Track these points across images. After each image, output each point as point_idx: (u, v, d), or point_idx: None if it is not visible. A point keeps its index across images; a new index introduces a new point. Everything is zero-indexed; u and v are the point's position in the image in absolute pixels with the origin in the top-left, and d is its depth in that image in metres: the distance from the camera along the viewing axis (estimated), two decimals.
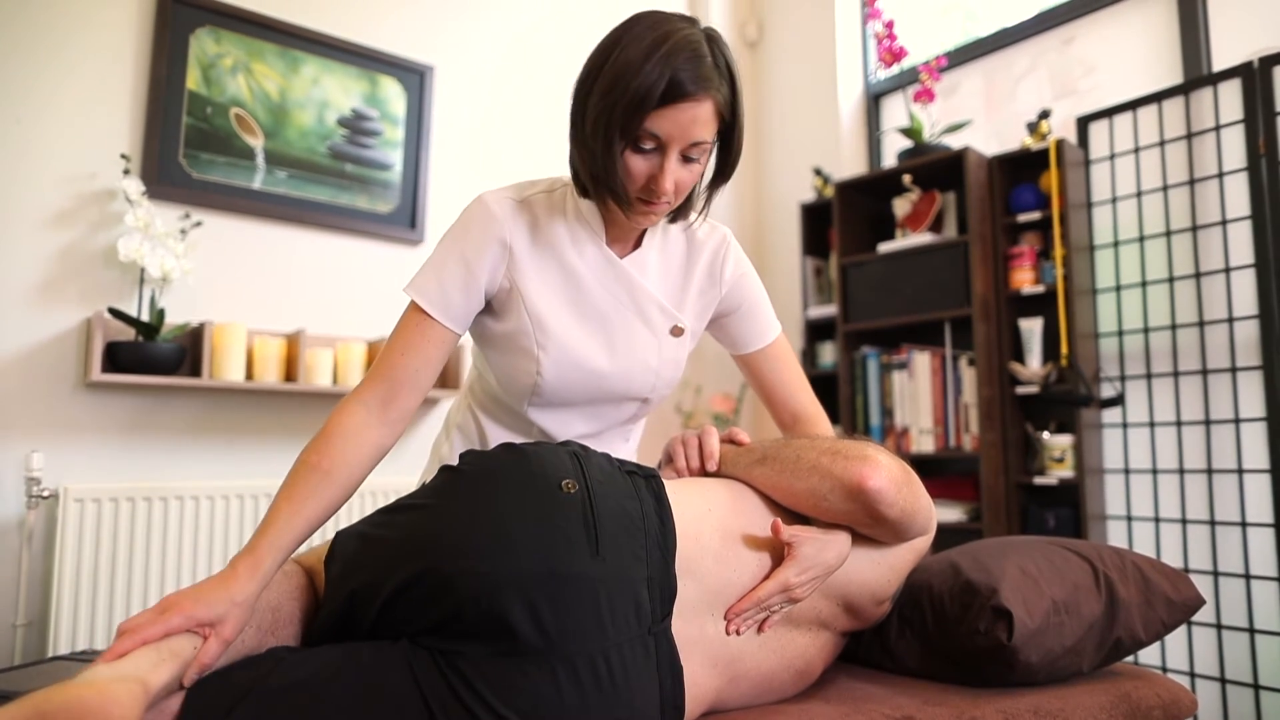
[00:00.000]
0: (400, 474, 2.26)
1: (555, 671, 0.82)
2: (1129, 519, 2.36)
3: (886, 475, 0.99)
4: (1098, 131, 2.54)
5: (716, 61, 1.00)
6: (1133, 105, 2.44)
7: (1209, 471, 2.22)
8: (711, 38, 1.01)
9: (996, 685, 1.16)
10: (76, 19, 2.23)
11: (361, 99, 2.67)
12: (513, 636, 0.82)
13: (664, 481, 1.03)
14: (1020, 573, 1.19)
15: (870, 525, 1.04)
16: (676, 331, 1.19)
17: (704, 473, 1.16)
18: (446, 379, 2.58)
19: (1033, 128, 2.49)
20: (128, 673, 0.72)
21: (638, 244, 1.17)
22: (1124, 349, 2.42)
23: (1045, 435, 2.38)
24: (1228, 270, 2.22)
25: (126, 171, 2.21)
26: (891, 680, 1.21)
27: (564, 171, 1.17)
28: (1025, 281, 2.45)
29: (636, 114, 0.96)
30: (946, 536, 2.20)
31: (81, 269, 2.21)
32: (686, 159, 1.03)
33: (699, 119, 0.99)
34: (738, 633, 0.99)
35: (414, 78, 2.77)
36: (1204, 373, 2.24)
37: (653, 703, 0.88)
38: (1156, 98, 2.38)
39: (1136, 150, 2.42)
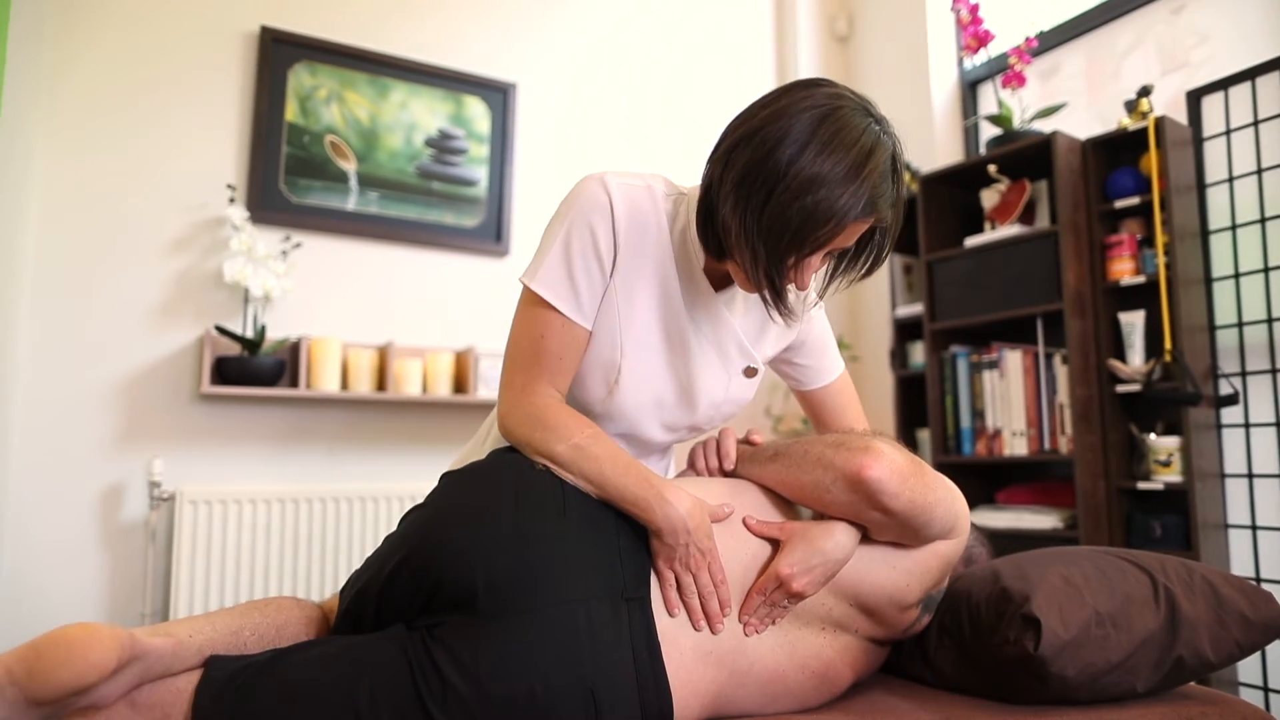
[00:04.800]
0: None
1: (521, 625, 0.86)
2: (1254, 528, 2.16)
3: (888, 465, 0.97)
4: (1211, 106, 2.34)
5: (898, 183, 0.98)
6: (1250, 75, 2.23)
7: None
8: (896, 152, 0.98)
9: (1031, 701, 1.10)
10: (189, 62, 2.45)
11: (447, 119, 2.79)
12: (483, 598, 0.87)
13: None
14: (1063, 581, 1.12)
15: (881, 521, 1.01)
16: (750, 372, 1.17)
17: (722, 473, 1.16)
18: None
19: (1131, 106, 2.31)
20: (123, 628, 0.82)
21: (729, 278, 1.13)
22: (1244, 342, 2.21)
23: (1151, 437, 2.21)
24: None
25: (232, 200, 2.41)
26: (923, 694, 1.16)
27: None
28: (1125, 272, 2.28)
29: (828, 231, 0.93)
30: (1041, 545, 2.07)
31: (195, 291, 2.42)
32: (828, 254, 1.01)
33: (860, 232, 0.98)
34: (757, 632, 1.00)
35: (497, 95, 2.87)
36: None
37: (625, 672, 0.89)
38: (1277, 64, 2.17)
39: (1256, 124, 2.22)
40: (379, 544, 1.01)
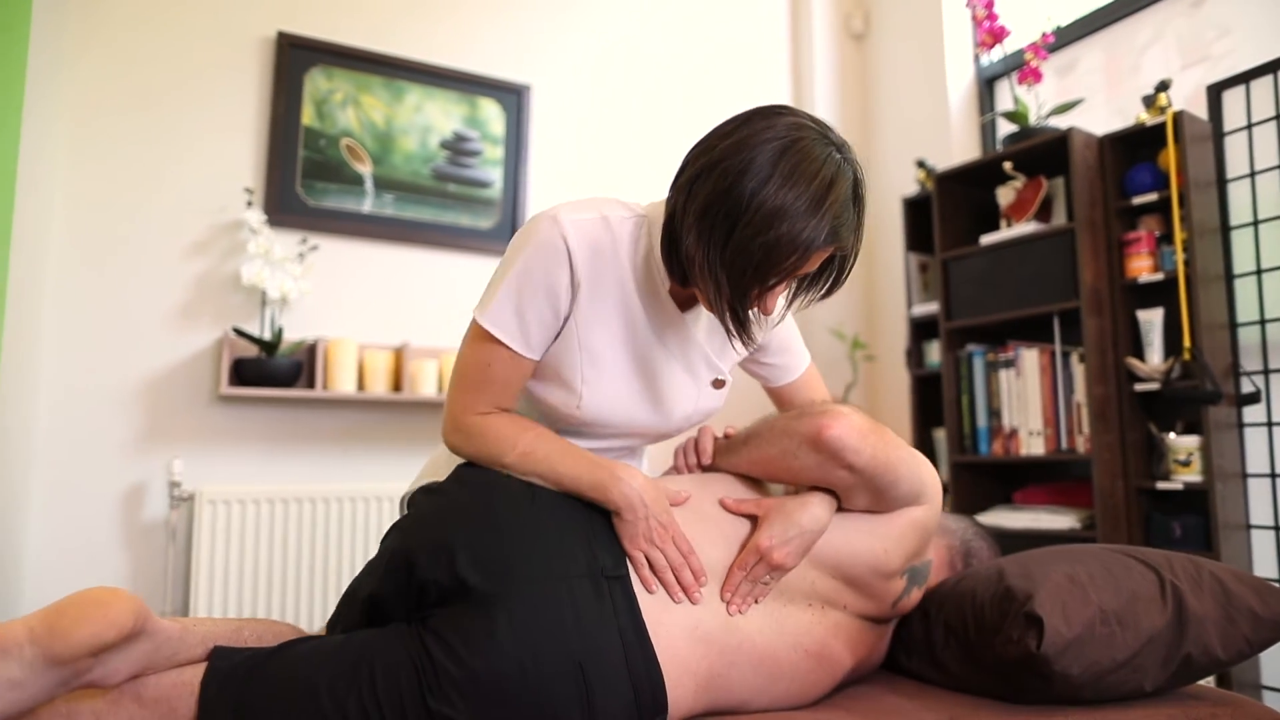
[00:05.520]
0: None
1: (506, 608, 0.89)
2: (1277, 529, 2.11)
3: (847, 423, 1.01)
4: (1232, 100, 2.30)
5: (860, 207, 0.98)
6: (1272, 68, 2.19)
7: None
8: (858, 177, 0.98)
9: (1038, 700, 1.09)
10: (207, 68, 2.49)
11: (462, 121, 2.81)
12: (467, 587, 0.90)
13: None
14: (1067, 580, 1.11)
15: (849, 480, 1.04)
16: (718, 384, 1.19)
17: (700, 469, 1.20)
18: None
19: (1149, 102, 2.28)
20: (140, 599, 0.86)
21: (695, 298, 1.13)
22: (1267, 339, 2.17)
23: (1170, 436, 2.17)
24: None
25: (250, 203, 2.44)
26: (928, 693, 1.16)
27: (653, 181, 1.17)
28: (1143, 269, 2.25)
29: (792, 264, 0.94)
30: (1058, 544, 2.05)
31: (214, 293, 2.45)
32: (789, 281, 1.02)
33: (822, 259, 0.99)
34: (739, 611, 1.02)
35: (511, 97, 2.89)
36: None
37: (613, 647, 0.90)
38: None
39: (1278, 117, 2.18)
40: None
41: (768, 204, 0.91)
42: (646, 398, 1.14)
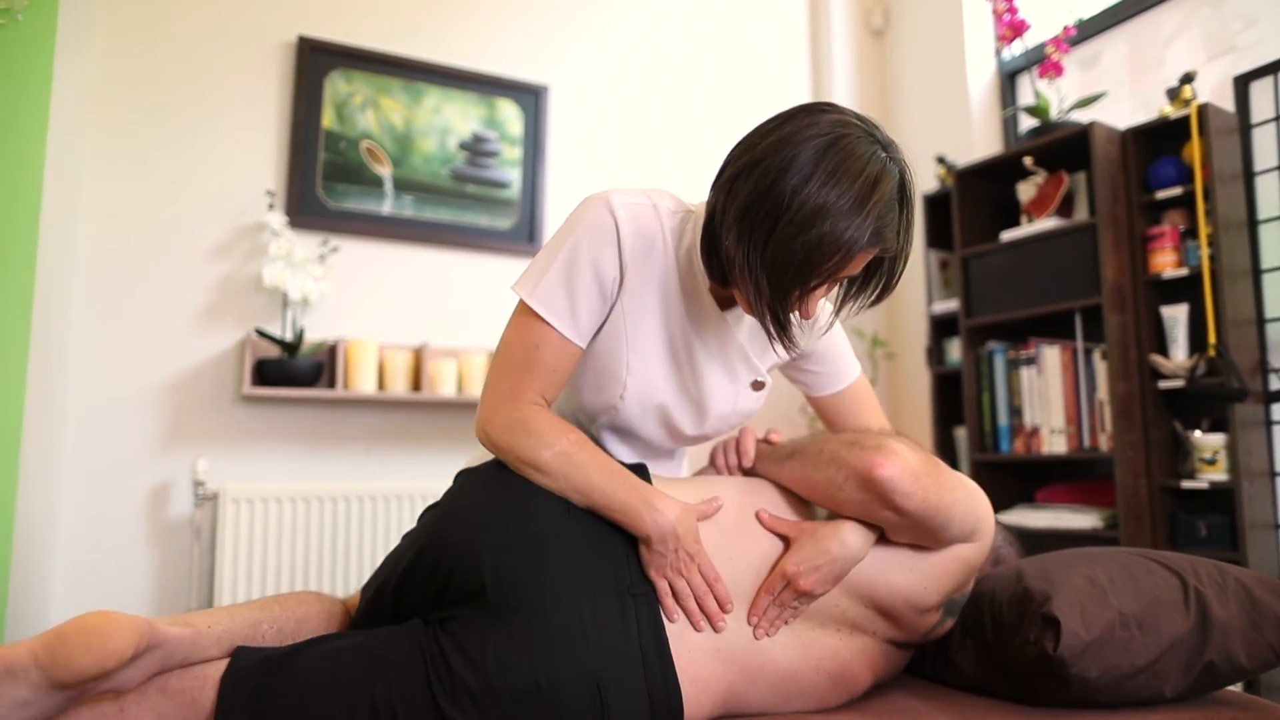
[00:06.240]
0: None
1: (527, 621, 0.88)
2: None
3: (901, 464, 0.95)
4: (1260, 91, 2.26)
5: (907, 209, 0.96)
6: None
7: None
8: (905, 177, 0.95)
9: (1055, 703, 1.08)
10: (229, 73, 2.52)
11: (480, 122, 2.82)
12: (492, 592, 0.89)
13: (660, 476, 1.07)
14: (1087, 582, 1.09)
15: (895, 521, 1.00)
16: (758, 386, 1.16)
17: (741, 471, 1.17)
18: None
19: (1173, 94, 2.25)
20: (143, 617, 0.85)
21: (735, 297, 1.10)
22: None
23: (1196, 434, 2.14)
24: None
25: (271, 206, 2.47)
26: (941, 695, 1.15)
27: (672, 180, 1.15)
28: (1167, 265, 2.21)
29: (834, 264, 0.91)
30: (1080, 545, 2.03)
31: (237, 295, 2.48)
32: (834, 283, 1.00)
33: (867, 260, 0.96)
34: (767, 634, 1.00)
35: (529, 97, 2.90)
36: None
37: (632, 665, 0.90)
38: None
39: None
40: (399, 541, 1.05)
41: (810, 202, 0.89)
42: (686, 394, 1.12)
